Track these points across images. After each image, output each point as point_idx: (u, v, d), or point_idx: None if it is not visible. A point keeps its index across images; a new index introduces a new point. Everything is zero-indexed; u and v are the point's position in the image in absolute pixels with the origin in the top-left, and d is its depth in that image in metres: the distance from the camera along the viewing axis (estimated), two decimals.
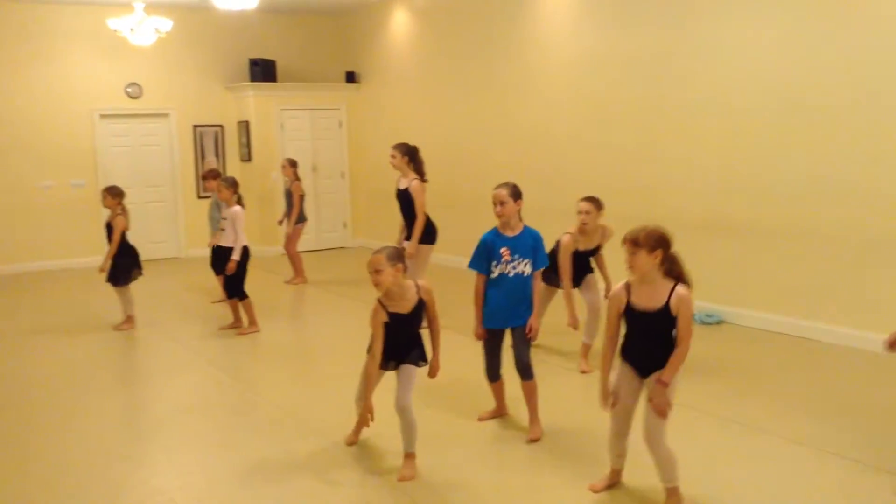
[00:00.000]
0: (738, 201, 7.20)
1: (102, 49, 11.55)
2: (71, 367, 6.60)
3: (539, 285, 4.80)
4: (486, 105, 10.09)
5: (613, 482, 4.06)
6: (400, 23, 11.85)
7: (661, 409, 3.63)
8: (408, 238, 7.18)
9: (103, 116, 11.80)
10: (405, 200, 7.20)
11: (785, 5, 6.71)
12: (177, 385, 6.12)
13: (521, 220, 4.76)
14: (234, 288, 7.39)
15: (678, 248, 3.69)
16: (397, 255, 4.19)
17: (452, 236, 8.37)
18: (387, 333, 4.26)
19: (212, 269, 8.12)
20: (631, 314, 3.72)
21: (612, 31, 8.35)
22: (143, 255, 12.10)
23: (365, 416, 4.35)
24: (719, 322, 7.19)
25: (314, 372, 6.42)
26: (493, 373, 4.90)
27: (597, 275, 6.10)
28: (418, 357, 4.39)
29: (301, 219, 9.87)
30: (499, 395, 5.03)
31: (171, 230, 12.36)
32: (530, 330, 4.75)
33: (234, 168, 12.69)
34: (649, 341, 3.72)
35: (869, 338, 6.07)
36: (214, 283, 8.80)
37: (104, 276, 7.68)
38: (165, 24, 10.20)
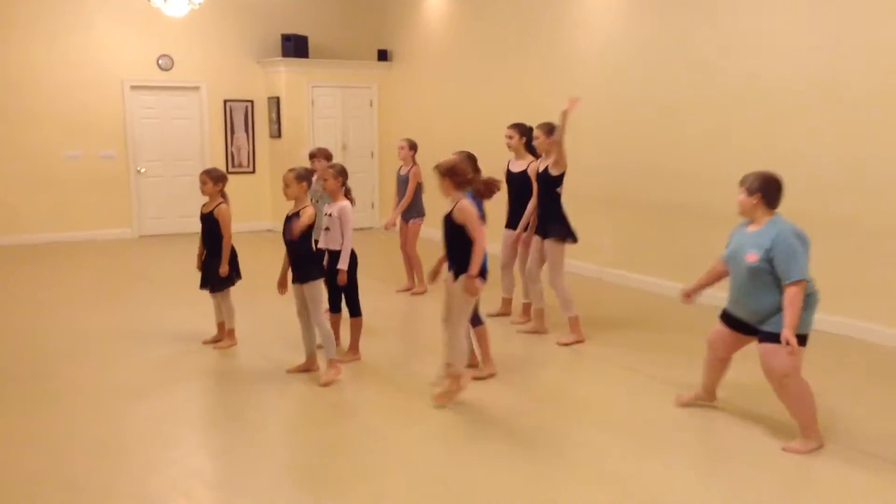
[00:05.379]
0: None
1: (135, 19, 11.44)
2: (93, 341, 6.54)
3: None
4: (521, 89, 9.88)
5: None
6: (434, 1, 11.64)
7: (468, 291, 4.83)
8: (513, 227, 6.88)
9: (134, 88, 11.71)
10: (521, 183, 6.77)
11: None
12: (211, 363, 6.04)
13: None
14: (352, 301, 5.96)
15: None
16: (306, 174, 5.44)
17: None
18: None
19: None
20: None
21: (649, 14, 8.13)
22: (172, 229, 12.20)
23: None
24: None
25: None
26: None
27: None
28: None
29: (418, 212, 8.19)
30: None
31: (200, 204, 12.21)
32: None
33: (263, 144, 12.60)
34: (446, 245, 5.01)
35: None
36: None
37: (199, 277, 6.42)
38: None
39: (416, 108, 12.23)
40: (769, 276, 4.27)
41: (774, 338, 4.23)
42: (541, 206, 6.53)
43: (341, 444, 4.56)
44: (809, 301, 4.30)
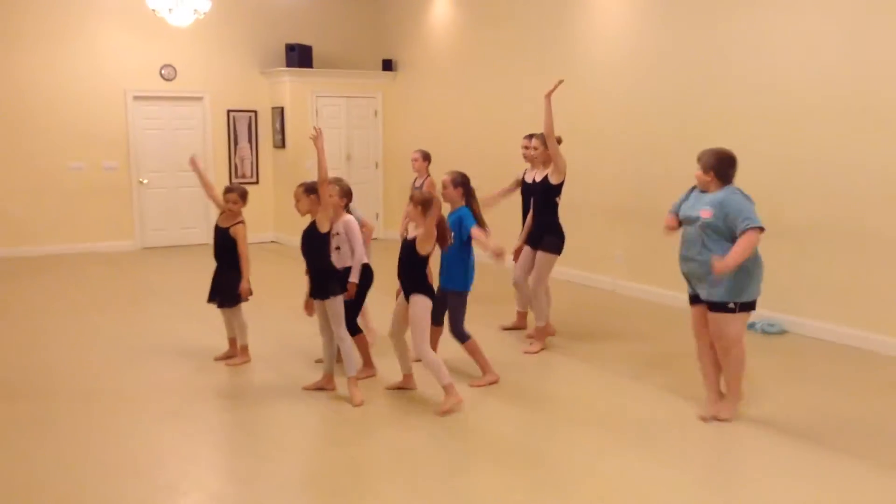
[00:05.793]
0: (797, 202, 6.87)
1: (138, 28, 11.32)
2: (101, 357, 6.39)
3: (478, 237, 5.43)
4: (527, 98, 9.75)
5: (403, 385, 5.44)
6: (440, 10, 11.55)
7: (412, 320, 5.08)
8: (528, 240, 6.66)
9: (137, 98, 11.58)
10: (531, 191, 6.64)
11: None
12: (221, 378, 5.89)
13: (462, 201, 5.57)
14: (349, 319, 5.63)
15: None
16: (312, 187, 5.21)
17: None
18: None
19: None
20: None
21: (661, 24, 8.04)
22: (174, 241, 12.04)
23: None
24: (782, 332, 6.89)
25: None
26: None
27: None
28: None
29: None
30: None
31: (203, 216, 12.08)
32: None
33: (266, 155, 12.48)
34: (400, 265, 5.20)
35: None
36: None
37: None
38: (204, 4, 9.95)
39: (421, 118, 12.12)
40: (717, 234, 4.65)
41: (723, 307, 4.68)
42: (538, 215, 6.48)
43: (359, 462, 4.44)
44: (757, 271, 4.70)
